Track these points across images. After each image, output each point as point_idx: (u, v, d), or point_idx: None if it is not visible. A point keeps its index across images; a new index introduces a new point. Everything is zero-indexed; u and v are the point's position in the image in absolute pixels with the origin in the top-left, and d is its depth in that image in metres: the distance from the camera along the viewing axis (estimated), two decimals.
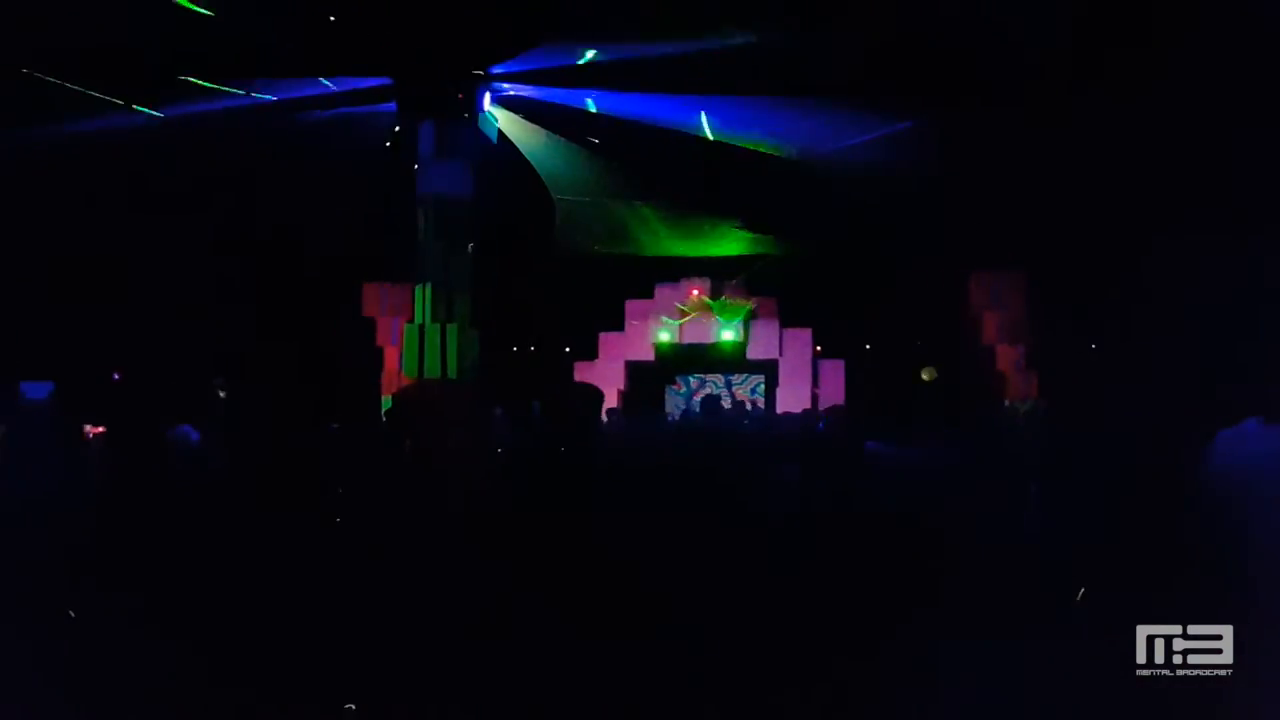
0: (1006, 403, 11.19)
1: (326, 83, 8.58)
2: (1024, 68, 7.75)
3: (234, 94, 8.62)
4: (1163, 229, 8.72)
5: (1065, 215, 9.30)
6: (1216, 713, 2.41)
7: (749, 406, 12.08)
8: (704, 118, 9.30)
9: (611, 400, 12.05)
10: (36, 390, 5.51)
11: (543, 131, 10.06)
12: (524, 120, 9.80)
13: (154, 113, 8.57)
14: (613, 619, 2.62)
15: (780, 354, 13.25)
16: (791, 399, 12.46)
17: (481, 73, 8.78)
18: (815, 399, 12.60)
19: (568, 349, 13.55)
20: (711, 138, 9.59)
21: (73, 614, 3.38)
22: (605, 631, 2.61)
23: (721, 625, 2.66)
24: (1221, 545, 2.47)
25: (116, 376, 7.81)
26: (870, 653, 2.47)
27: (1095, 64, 7.52)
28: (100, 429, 5.29)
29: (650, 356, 13.50)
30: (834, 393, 12.58)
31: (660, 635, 2.61)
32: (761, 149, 9.90)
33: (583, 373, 12.73)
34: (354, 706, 2.99)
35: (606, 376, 12.71)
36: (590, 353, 13.40)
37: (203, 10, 6.91)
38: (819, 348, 13.21)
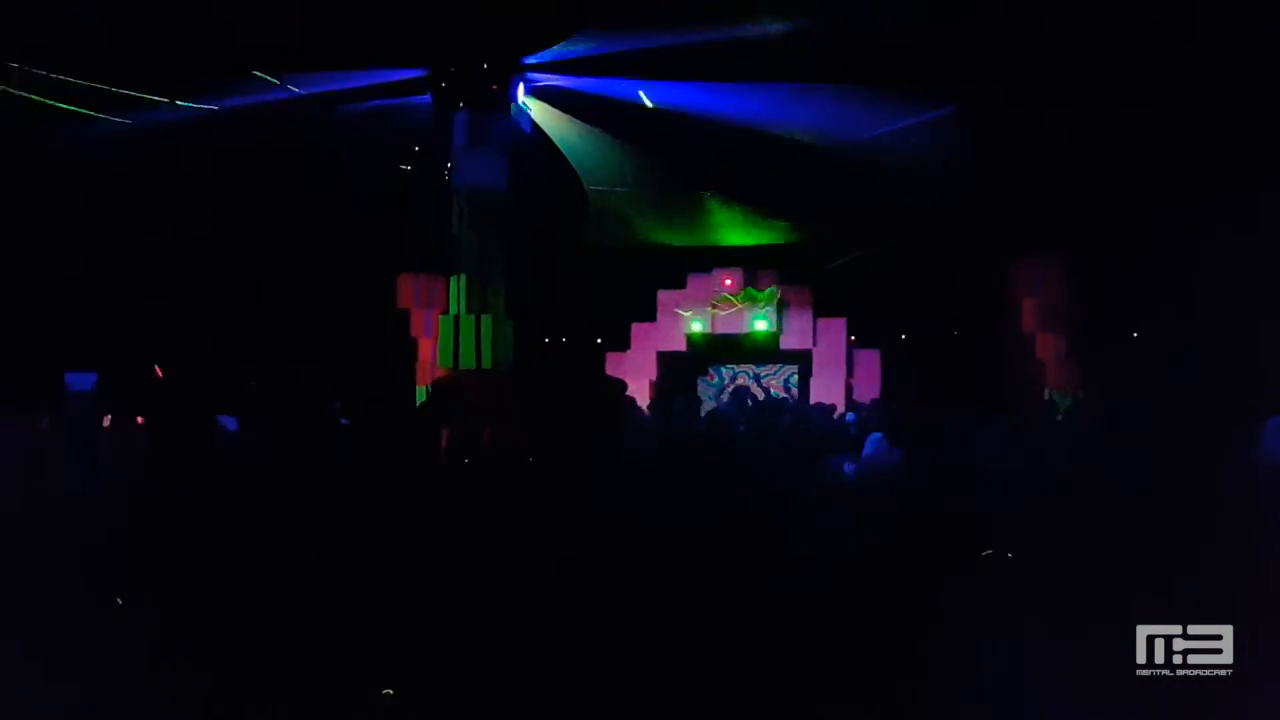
0: (1047, 393, 10.98)
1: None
2: (1063, 53, 7.63)
3: (271, 87, 8.77)
4: (1206, 215, 8.54)
5: (1106, 202, 9.14)
6: (1216, 713, 2.40)
7: (775, 396, 12.00)
8: (733, 104, 9.28)
9: (644, 390, 12.08)
10: (81, 382, 5.68)
11: (576, 122, 10.10)
12: (557, 111, 9.85)
13: (208, 106, 8.67)
14: (645, 616, 2.65)
15: (814, 344, 13.15)
16: (825, 390, 12.37)
17: (516, 64, 8.86)
18: (849, 390, 12.51)
19: (599, 340, 13.59)
20: (737, 124, 9.55)
21: (120, 600, 3.49)
22: (638, 628, 2.63)
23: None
24: (1224, 544, 2.45)
25: (159, 370, 8.00)
26: (871, 649, 2.49)
27: (1140, 50, 7.39)
28: (146, 419, 5.41)
29: (682, 347, 13.47)
30: (869, 384, 12.48)
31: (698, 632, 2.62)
32: (795, 136, 9.84)
33: (614, 363, 12.77)
34: (391, 692, 3.06)
35: (638, 367, 12.74)
36: (622, 343, 13.43)
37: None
38: (853, 337, 13.09)
